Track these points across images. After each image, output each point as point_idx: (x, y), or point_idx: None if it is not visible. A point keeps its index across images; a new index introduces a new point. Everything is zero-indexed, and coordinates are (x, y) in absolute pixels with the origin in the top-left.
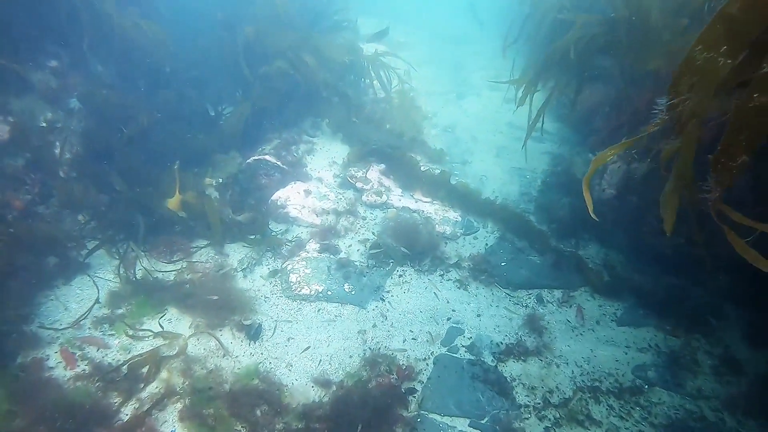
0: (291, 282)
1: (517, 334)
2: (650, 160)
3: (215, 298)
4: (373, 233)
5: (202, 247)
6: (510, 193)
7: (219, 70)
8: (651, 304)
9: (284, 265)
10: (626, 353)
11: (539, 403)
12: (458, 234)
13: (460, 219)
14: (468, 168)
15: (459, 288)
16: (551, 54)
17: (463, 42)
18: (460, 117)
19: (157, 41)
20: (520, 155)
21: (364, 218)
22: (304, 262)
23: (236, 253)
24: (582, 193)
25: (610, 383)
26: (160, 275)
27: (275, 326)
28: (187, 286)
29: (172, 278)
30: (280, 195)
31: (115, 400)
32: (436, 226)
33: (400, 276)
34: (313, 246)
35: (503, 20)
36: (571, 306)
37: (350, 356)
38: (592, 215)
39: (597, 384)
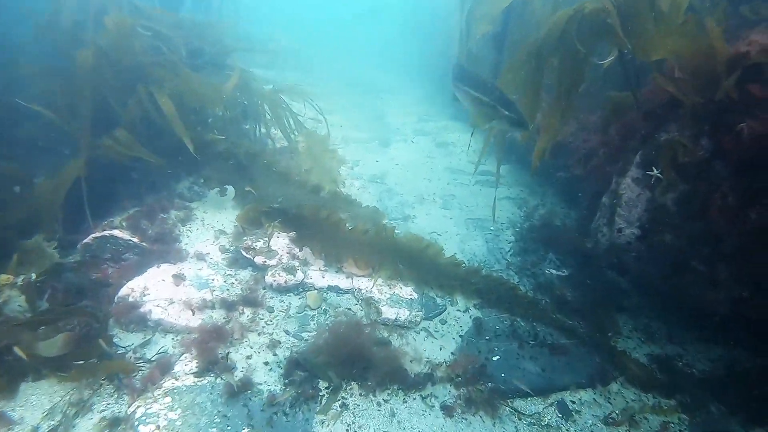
0: None
1: None
2: (687, 181)
3: None
4: (287, 332)
5: None
6: (476, 253)
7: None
8: (725, 395)
9: (132, 408)
10: None
11: None
12: (417, 319)
13: (416, 296)
14: (412, 225)
15: (435, 412)
16: (548, 36)
17: (383, 91)
18: (388, 165)
19: None
20: (472, 204)
21: (270, 309)
22: (169, 399)
23: (44, 400)
24: (577, 248)
25: None
26: None
27: None
28: None
29: None
30: (133, 287)
31: None
32: (383, 310)
33: (342, 404)
34: (186, 366)
35: (427, 69)
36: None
37: None
38: None
39: None
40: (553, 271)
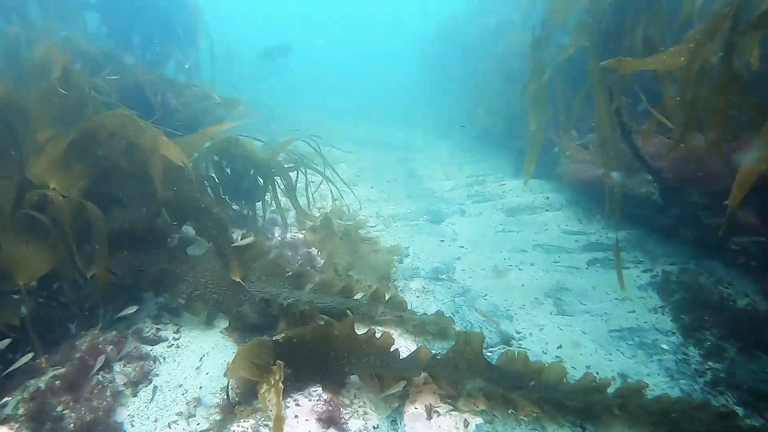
0: None
1: None
2: None
3: None
4: None
5: None
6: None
7: None
8: None
9: None
10: None
11: None
12: None
13: None
14: (516, 345)
15: None
16: None
17: (407, 148)
18: (450, 251)
19: None
20: (605, 303)
21: None
22: None
23: None
24: None
25: None
26: None
27: None
28: None
29: None
30: None
31: None
32: None
33: None
34: None
35: (457, 114)
36: None
37: None
38: None
39: None
40: None
